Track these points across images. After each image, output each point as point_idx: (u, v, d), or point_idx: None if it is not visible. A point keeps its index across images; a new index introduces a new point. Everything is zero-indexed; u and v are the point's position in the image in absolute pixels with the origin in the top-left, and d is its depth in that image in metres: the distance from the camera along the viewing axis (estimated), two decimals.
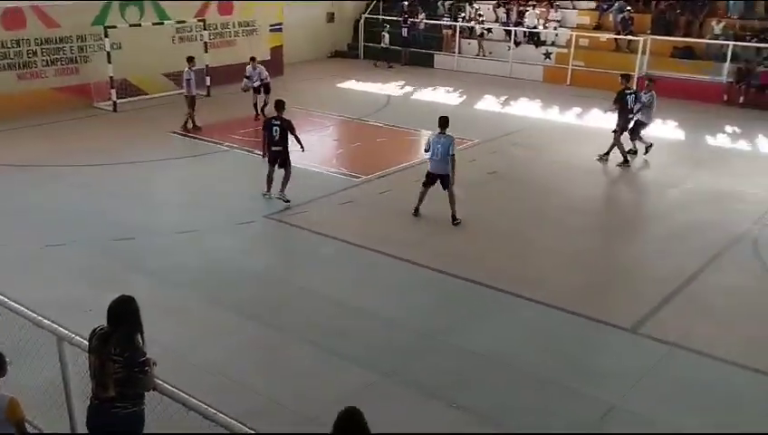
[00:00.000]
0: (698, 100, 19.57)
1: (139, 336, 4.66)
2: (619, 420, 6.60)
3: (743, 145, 16.04)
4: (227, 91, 19.30)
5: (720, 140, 16.50)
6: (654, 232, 11.24)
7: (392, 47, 25.36)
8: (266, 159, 11.91)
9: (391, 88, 21.96)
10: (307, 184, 12.94)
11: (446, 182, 10.97)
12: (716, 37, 20.67)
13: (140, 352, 4.60)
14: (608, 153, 14.17)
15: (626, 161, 13.96)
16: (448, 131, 11.02)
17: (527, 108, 19.55)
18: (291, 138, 11.74)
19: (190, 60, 16.31)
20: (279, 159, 11.72)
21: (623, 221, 11.69)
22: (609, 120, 14.71)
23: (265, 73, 17.52)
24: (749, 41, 20.09)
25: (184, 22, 19.96)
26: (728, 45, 20.04)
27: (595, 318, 8.36)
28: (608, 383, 7.14)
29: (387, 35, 25.14)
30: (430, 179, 11.11)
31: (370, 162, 14.37)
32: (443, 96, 21.00)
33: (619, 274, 9.75)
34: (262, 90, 17.39)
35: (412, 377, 7.20)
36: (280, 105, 11.72)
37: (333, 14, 27.10)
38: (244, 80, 17.56)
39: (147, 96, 19.19)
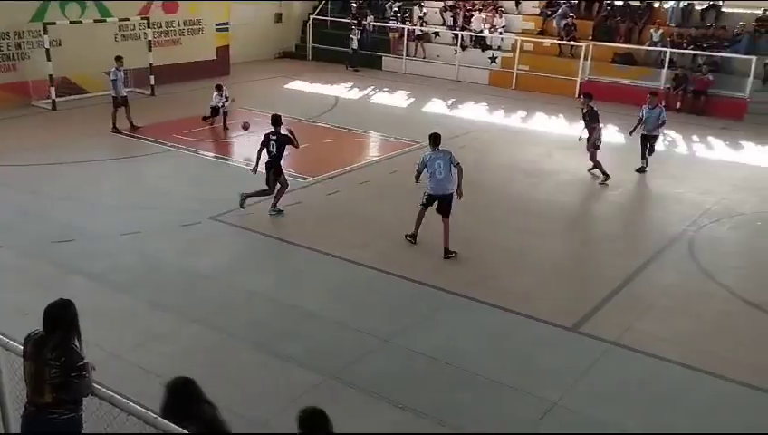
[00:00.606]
0: (638, 105, 20.05)
1: (77, 340, 4.55)
2: (559, 418, 6.74)
3: (680, 149, 16.57)
4: (172, 90, 19.01)
5: (659, 145, 16.99)
6: (596, 233, 11.53)
7: (360, 51, 25.30)
8: (255, 173, 11.53)
9: (340, 89, 21.94)
10: (253, 186, 12.82)
11: (448, 207, 9.98)
12: (655, 44, 21.32)
13: (77, 356, 4.49)
14: (604, 174, 13.59)
15: (606, 177, 13.61)
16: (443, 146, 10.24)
17: (474, 111, 19.80)
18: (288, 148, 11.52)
19: (118, 59, 15.82)
20: (272, 169, 11.32)
21: (566, 223, 11.94)
22: (552, 125, 14.96)
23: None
24: (685, 48, 20.78)
25: (127, 20, 19.55)
26: (666, 52, 20.70)
27: (538, 318, 8.53)
28: (549, 382, 7.28)
29: (354, 39, 25.05)
30: (430, 201, 10.09)
31: (318, 164, 14.34)
32: (391, 98, 21.10)
33: (562, 274, 9.95)
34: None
35: (357, 378, 7.21)
36: (277, 120, 11.45)
37: (281, 14, 26.95)
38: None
39: (88, 95, 18.73)
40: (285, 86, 22.20)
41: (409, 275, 9.49)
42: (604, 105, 19.06)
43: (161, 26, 20.77)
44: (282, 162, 11.42)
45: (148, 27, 19.72)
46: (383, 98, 21.17)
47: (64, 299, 4.62)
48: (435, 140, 10.11)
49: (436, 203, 10.10)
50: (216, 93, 16.63)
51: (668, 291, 9.44)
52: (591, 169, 13.93)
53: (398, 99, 21.10)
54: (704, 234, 11.34)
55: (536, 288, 9.43)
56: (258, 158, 11.43)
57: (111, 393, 4.38)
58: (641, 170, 14.27)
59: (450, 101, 20.62)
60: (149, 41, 19.66)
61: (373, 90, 22.03)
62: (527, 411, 6.78)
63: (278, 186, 11.46)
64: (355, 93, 21.68)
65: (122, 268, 9.39)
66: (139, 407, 4.15)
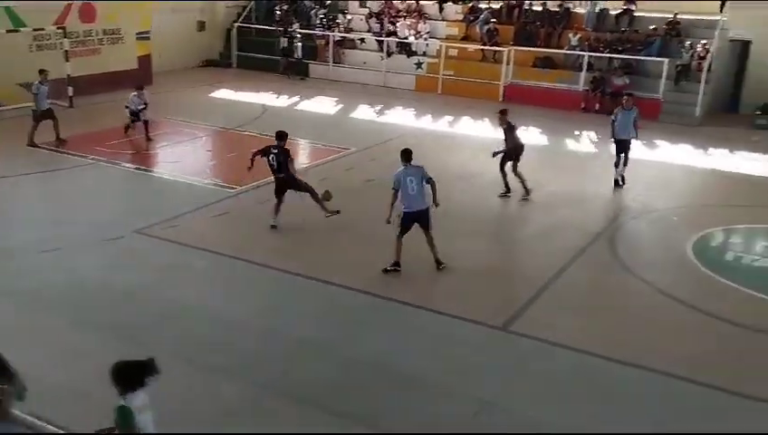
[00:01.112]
0: (559, 107, 20.78)
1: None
2: (491, 416, 6.88)
3: (599, 149, 17.14)
4: (92, 101, 18.46)
5: (579, 145, 17.59)
6: (521, 234, 11.82)
7: (303, 60, 25.12)
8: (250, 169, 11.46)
9: (267, 97, 21.78)
10: (179, 197, 12.61)
11: (428, 221, 9.83)
12: (573, 48, 22.03)
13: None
14: (526, 188, 13.13)
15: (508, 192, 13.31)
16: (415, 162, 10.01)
17: (401, 116, 19.98)
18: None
19: (42, 72, 15.23)
20: (285, 186, 11.24)
21: (492, 224, 12.19)
22: (477, 128, 15.20)
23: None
24: (602, 51, 21.56)
25: (42, 29, 18.86)
26: (584, 56, 21.42)
27: (469, 318, 8.68)
28: (481, 381, 7.42)
29: (299, 45, 24.83)
30: (408, 223, 9.76)
31: (246, 173, 14.14)
32: (319, 105, 21.07)
33: (490, 274, 10.13)
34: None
35: (291, 388, 7.18)
36: (282, 135, 11.48)
37: (204, 22, 26.54)
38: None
39: (2, 108, 17.96)
40: (210, 95, 21.87)
41: (340, 281, 9.50)
42: (527, 108, 19.64)
43: (78, 35, 20.13)
44: (283, 175, 11.26)
45: (65, 37, 19.09)
46: (311, 105, 21.12)
47: None
48: (406, 156, 9.85)
49: (413, 224, 9.80)
50: (134, 94, 15.96)
51: (592, 287, 9.77)
52: (526, 193, 13.22)
53: (327, 105, 21.09)
54: (623, 230, 11.79)
55: (466, 290, 9.58)
56: (252, 159, 11.38)
57: (26, 416, 4.24)
58: (618, 184, 13.79)
59: (378, 107, 20.75)
60: (66, 51, 19.03)
61: (301, 97, 21.95)
62: (460, 411, 6.89)
63: (307, 194, 11.36)
64: (283, 101, 21.55)
65: (43, 286, 9.05)
66: (60, 430, 4.02)
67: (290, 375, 7.40)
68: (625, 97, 14.50)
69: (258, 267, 9.92)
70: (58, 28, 19.16)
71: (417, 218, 9.77)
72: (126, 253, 10.33)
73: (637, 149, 16.99)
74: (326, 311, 8.90)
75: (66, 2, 19.87)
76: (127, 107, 15.97)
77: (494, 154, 13.07)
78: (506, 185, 13.17)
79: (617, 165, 13.89)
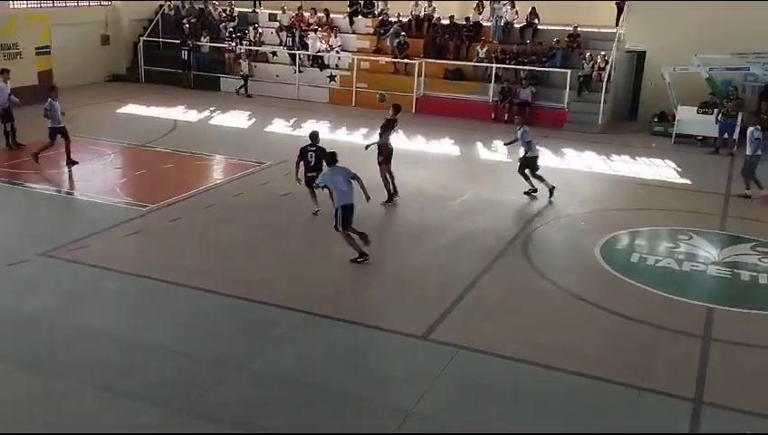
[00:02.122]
0: (470, 118, 21.30)
1: None
2: (415, 425, 6.92)
3: (509, 158, 17.62)
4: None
5: (490, 154, 18.04)
6: (436, 242, 11.96)
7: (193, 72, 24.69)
8: (302, 183, 12.64)
9: (177, 112, 21.30)
10: (89, 216, 12.15)
11: (352, 215, 10.66)
12: (482, 60, 22.64)
13: None
14: (395, 191, 13.72)
15: (391, 199, 13.66)
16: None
17: (316, 129, 19.86)
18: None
19: (3, 71, 15.62)
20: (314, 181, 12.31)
21: (409, 235, 12.29)
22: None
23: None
24: (508, 63, 22.25)
25: None
26: (491, 68, 22.05)
27: (388, 328, 8.73)
28: (404, 391, 7.45)
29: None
30: (347, 216, 10.58)
31: (158, 190, 13.80)
32: (232, 119, 20.79)
33: (408, 285, 10.21)
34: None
35: (210, 409, 7.01)
36: (315, 136, 12.97)
37: (108, 36, 25.74)
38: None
39: None
40: (118, 111, 21.20)
41: (257, 297, 9.37)
42: (440, 119, 20.04)
43: None
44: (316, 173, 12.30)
45: None
46: (224, 119, 20.80)
47: None
48: (333, 158, 10.96)
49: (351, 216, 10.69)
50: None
51: (508, 292, 10.01)
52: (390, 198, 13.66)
53: (240, 120, 20.82)
54: (535, 236, 12.17)
55: (384, 301, 9.64)
56: (297, 170, 12.64)
57: None
58: (534, 191, 14.19)
59: (292, 120, 20.65)
60: None
61: (213, 111, 21.59)
62: (385, 422, 6.91)
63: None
64: (194, 115, 21.13)
65: None
66: None
67: (207, 396, 7.21)
68: (516, 117, 15.12)
69: (170, 286, 9.65)
70: None
71: (352, 210, 10.70)
72: (30, 277, 9.83)
73: (545, 157, 17.64)
74: (241, 328, 8.73)
75: None
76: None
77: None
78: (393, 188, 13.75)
79: (542, 178, 14.18)
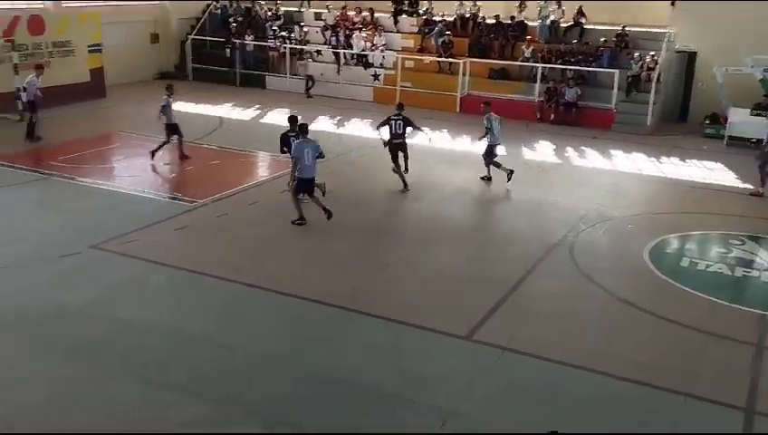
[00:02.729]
0: (514, 118, 21.04)
1: None
2: (458, 425, 6.89)
3: (555, 159, 17.43)
4: (44, 115, 17.98)
5: (534, 155, 17.84)
6: (481, 244, 11.90)
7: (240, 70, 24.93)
8: (386, 147, 13.90)
9: (223, 110, 21.58)
10: (138, 211, 12.39)
11: (313, 187, 11.82)
12: (527, 60, 22.41)
13: None
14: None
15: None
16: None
17: (359, 127, 20.00)
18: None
19: (38, 67, 16.02)
20: (400, 149, 13.78)
21: (452, 235, 12.23)
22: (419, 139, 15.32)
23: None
24: (554, 63, 21.98)
25: None
26: (537, 67, 21.81)
27: (431, 328, 8.70)
28: (445, 391, 7.42)
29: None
30: (303, 187, 11.64)
31: (205, 186, 14.02)
32: (276, 117, 20.95)
33: (452, 284, 10.16)
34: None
35: (252, 404, 7.08)
36: (401, 105, 14.41)
37: (158, 34, 26.22)
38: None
39: None
40: None
41: (300, 293, 9.43)
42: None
43: (27, 48, 19.66)
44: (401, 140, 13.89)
45: (14, 50, 18.63)
46: (269, 117, 20.99)
47: None
48: (303, 128, 11.69)
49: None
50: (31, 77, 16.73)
51: (553, 294, 9.88)
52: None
53: (284, 117, 20.91)
54: (582, 239, 11.98)
55: (425, 299, 9.60)
56: (380, 130, 14.21)
57: None
58: (488, 179, 14.80)
59: (336, 118, 20.73)
60: (15, 64, 18.57)
61: (258, 109, 21.81)
62: (426, 422, 6.88)
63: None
64: (239, 113, 21.38)
65: None
66: None
67: (251, 391, 7.29)
68: (483, 105, 15.23)
69: (216, 281, 9.77)
70: (6, 41, 18.69)
71: (307, 183, 11.57)
72: (81, 269, 10.07)
73: (593, 158, 17.40)
74: (283, 323, 8.81)
75: (13, 14, 19.46)
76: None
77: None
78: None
79: (499, 165, 14.62)
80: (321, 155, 11.68)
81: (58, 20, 20.87)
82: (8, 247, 10.56)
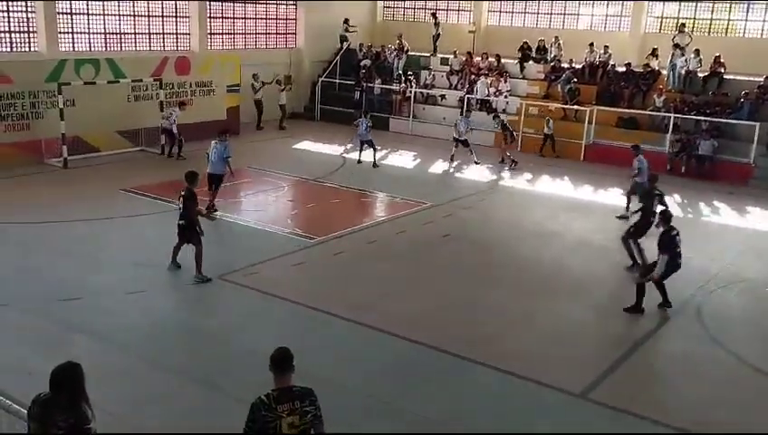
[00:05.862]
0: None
1: (85, 403, 4.53)
2: None
3: (687, 214, 16.56)
4: (185, 148, 19.28)
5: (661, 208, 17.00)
6: (602, 297, 11.44)
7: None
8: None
9: (347, 150, 22.19)
10: (260, 245, 12.89)
11: (219, 182, 14.36)
12: (658, 109, 21.61)
13: (86, 419, 4.46)
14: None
15: None
16: None
17: (479, 171, 19.95)
18: None
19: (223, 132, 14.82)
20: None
21: (571, 286, 11.83)
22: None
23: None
24: (688, 113, 21.04)
25: (140, 80, 19.98)
26: (669, 117, 20.96)
27: (544, 383, 8.41)
28: None
29: (364, 98, 25.52)
30: (211, 180, 14.35)
31: (325, 223, 14.42)
32: (398, 159, 21.31)
33: (569, 338, 9.83)
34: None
35: None
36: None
37: (291, 76, 27.51)
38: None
39: (99, 153, 19.00)
40: (294, 146, 22.47)
41: (412, 335, 9.43)
42: (609, 168, 19.32)
43: (173, 87, 21.20)
44: None
45: (161, 88, 20.15)
46: (390, 158, 21.37)
47: (72, 362, 4.62)
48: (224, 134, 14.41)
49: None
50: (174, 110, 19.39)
51: (678, 356, 9.33)
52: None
53: (405, 159, 21.31)
54: (712, 300, 11.27)
55: (540, 352, 9.31)
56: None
57: None
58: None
59: (456, 162, 20.79)
60: (161, 102, 20.06)
61: (380, 150, 22.25)
62: None
63: None
64: (363, 154, 21.87)
65: (127, 327, 9.35)
66: None
67: (358, 430, 7.30)
68: (631, 147, 15.66)
69: (330, 317, 9.96)
70: (155, 80, 20.25)
71: (211, 177, 14.25)
72: (207, 298, 10.60)
73: (726, 215, 16.43)
74: (395, 364, 8.82)
75: (163, 55, 21.10)
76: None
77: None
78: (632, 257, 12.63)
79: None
80: (227, 157, 14.26)
81: (203, 60, 22.40)
82: (147, 273, 11.25)
